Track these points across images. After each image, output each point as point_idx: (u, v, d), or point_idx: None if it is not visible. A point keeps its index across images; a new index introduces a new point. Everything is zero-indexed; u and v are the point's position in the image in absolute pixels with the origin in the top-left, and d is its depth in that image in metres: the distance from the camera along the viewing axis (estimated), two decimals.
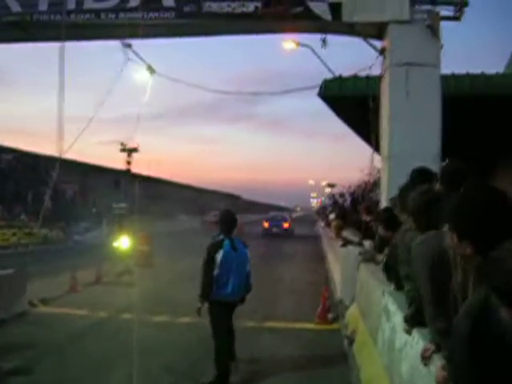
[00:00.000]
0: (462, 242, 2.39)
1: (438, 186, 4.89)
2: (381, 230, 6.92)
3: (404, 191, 5.18)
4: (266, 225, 44.63)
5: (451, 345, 2.27)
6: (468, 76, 14.77)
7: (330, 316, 10.16)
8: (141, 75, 13.97)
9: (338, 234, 13.75)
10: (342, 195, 48.42)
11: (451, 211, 2.52)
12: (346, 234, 13.40)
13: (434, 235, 3.49)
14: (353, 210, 19.08)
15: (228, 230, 6.97)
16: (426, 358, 3.51)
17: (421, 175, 5.38)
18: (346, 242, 12.08)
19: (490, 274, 2.12)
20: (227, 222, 7.03)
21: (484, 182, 3.52)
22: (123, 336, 8.32)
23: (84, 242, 27.22)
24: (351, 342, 7.77)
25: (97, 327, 9.43)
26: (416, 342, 4.02)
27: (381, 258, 7.43)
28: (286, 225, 44.42)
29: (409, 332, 4.24)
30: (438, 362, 3.31)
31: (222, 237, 6.89)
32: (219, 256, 6.68)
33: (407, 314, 4.31)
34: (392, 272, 5.85)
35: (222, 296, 6.70)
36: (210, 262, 6.72)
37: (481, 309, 2.00)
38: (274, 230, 43.12)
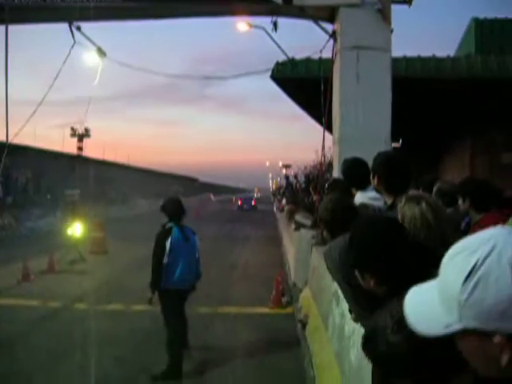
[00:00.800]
0: (364, 275, 2.40)
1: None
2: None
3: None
4: (239, 202, 65.51)
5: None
6: (419, 59, 14.92)
7: (284, 300, 10.17)
8: (91, 58, 13.61)
9: (291, 218, 13.78)
10: (295, 176, 48.48)
11: (350, 247, 2.54)
12: (299, 217, 13.43)
13: (342, 238, 3.44)
14: (306, 192, 19.10)
15: (176, 218, 6.88)
16: None
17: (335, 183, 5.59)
18: (299, 226, 12.12)
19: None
20: (175, 210, 6.94)
21: (376, 215, 3.71)
22: (76, 327, 8.21)
23: (37, 229, 26.65)
24: (304, 325, 7.79)
25: (49, 318, 9.20)
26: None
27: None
28: (253, 202, 65.74)
29: (356, 320, 4.23)
30: None
31: (170, 224, 6.80)
32: (168, 244, 6.61)
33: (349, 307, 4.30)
34: None
35: (172, 284, 6.62)
36: (159, 250, 6.65)
37: (373, 328, 2.10)
38: (245, 206, 62.07)
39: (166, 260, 6.59)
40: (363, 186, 4.90)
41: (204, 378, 6.52)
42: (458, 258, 1.17)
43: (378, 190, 4.05)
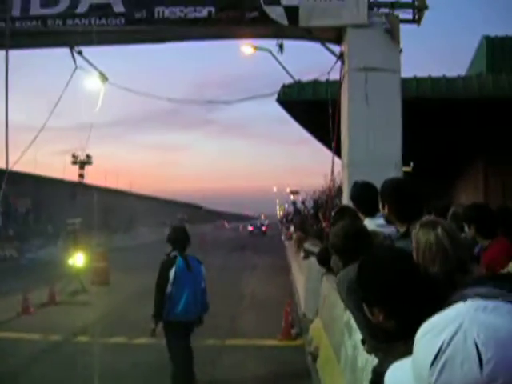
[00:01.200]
0: (373, 309, 2.40)
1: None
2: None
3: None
4: (251, 228, 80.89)
5: None
6: (430, 79, 14.99)
7: (293, 331, 10.08)
8: (93, 83, 13.75)
9: (300, 247, 13.72)
10: (303, 202, 48.42)
11: (358, 282, 2.56)
12: (308, 245, 13.38)
13: (353, 267, 3.41)
14: (315, 218, 19.07)
15: (181, 247, 6.87)
16: None
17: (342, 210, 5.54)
18: (308, 254, 12.06)
19: None
20: (179, 239, 6.94)
21: (385, 247, 3.61)
22: (79, 361, 8.17)
23: (38, 259, 26.65)
24: (315, 358, 7.71)
25: (51, 352, 9.15)
26: None
27: None
28: (264, 228, 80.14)
29: (369, 352, 4.18)
30: None
31: (174, 253, 6.78)
32: (172, 274, 6.61)
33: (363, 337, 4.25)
34: None
35: (176, 316, 6.60)
36: (162, 280, 6.64)
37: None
38: (256, 231, 76.83)
39: (169, 290, 6.57)
40: (372, 213, 4.87)
41: None
42: (427, 337, 1.17)
43: (388, 219, 3.99)
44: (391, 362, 1.67)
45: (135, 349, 9.32)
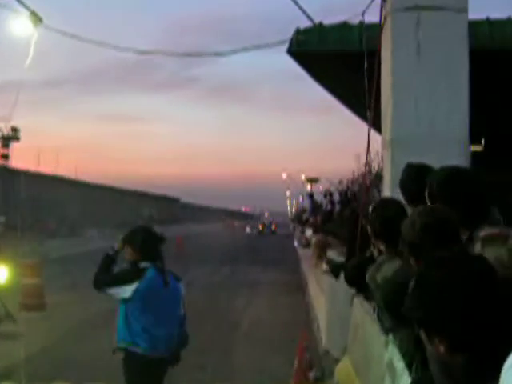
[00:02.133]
0: (432, 338, 2.39)
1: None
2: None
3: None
4: (261, 227, 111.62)
5: None
6: (510, 21, 15.05)
7: (311, 375, 10.21)
8: (21, 26, 13.67)
9: (321, 257, 13.77)
10: (326, 195, 48.23)
11: (412, 299, 2.50)
12: (333, 254, 13.48)
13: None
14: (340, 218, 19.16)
15: (153, 254, 6.87)
16: None
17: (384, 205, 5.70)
18: (334, 267, 12.18)
19: None
20: (148, 243, 6.93)
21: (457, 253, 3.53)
22: None
23: None
24: None
25: None
26: None
27: None
28: (273, 227, 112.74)
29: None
30: None
31: (145, 264, 6.78)
32: (131, 289, 6.58)
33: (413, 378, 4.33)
34: None
35: (141, 349, 6.58)
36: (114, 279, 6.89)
37: None
38: (266, 230, 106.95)
39: (129, 312, 6.64)
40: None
41: None
42: None
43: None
44: None
45: None
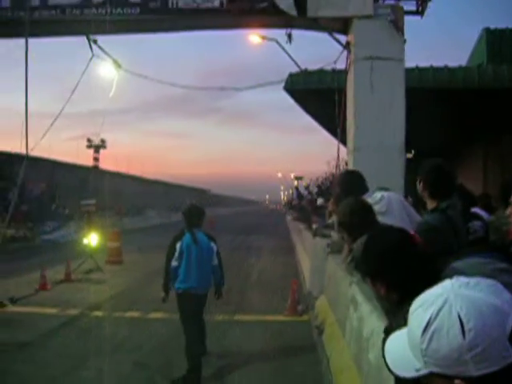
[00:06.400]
0: (375, 283, 2.56)
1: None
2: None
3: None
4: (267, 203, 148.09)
5: None
6: (431, 68, 15.02)
7: (299, 308, 10.23)
8: (107, 71, 13.86)
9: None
10: (306, 187, 48.81)
11: (360, 257, 2.77)
12: (320, 227, 13.59)
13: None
14: (322, 202, 19.19)
15: (190, 223, 6.98)
16: None
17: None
18: (320, 234, 12.26)
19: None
20: (189, 216, 7.05)
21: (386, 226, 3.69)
22: (95, 333, 8.29)
23: (53, 240, 26.80)
24: (320, 332, 7.84)
25: (68, 325, 9.29)
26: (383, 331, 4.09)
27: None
28: (278, 207, 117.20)
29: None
30: None
31: (184, 229, 6.94)
32: (178, 247, 6.76)
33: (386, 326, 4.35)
34: None
35: (186, 288, 6.72)
36: (169, 253, 6.84)
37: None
38: (271, 206, 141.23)
39: (174, 263, 6.74)
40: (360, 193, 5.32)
41: (223, 382, 6.61)
42: (418, 311, 1.35)
43: (421, 196, 4.14)
44: (398, 324, 1.81)
45: (150, 322, 9.49)
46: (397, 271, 2.45)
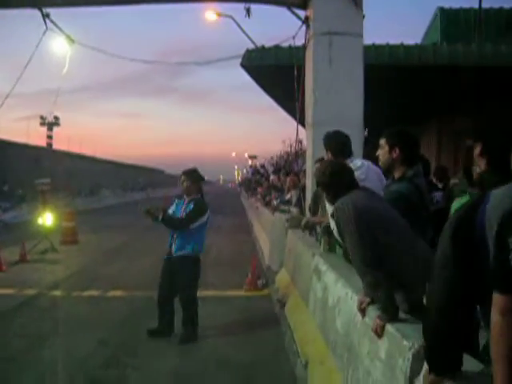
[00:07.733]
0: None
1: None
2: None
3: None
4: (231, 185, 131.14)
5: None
6: (388, 46, 15.13)
7: (259, 282, 10.28)
8: (60, 46, 13.38)
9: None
10: (262, 166, 48.95)
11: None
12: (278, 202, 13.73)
13: (349, 196, 3.62)
14: (277, 179, 19.25)
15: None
16: (362, 311, 3.64)
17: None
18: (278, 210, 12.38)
19: None
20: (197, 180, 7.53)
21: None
22: (55, 313, 8.16)
23: (5, 221, 26.15)
24: (283, 305, 7.91)
25: (26, 305, 9.06)
26: (350, 298, 4.14)
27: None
28: (232, 185, 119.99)
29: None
30: (372, 313, 3.44)
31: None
32: (207, 215, 7.25)
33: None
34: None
35: (200, 253, 7.32)
36: (201, 212, 7.28)
37: None
38: (226, 186, 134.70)
39: (194, 226, 7.10)
40: (347, 155, 5.73)
41: (189, 359, 6.56)
42: None
43: (392, 163, 4.14)
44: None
45: (108, 300, 9.36)
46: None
